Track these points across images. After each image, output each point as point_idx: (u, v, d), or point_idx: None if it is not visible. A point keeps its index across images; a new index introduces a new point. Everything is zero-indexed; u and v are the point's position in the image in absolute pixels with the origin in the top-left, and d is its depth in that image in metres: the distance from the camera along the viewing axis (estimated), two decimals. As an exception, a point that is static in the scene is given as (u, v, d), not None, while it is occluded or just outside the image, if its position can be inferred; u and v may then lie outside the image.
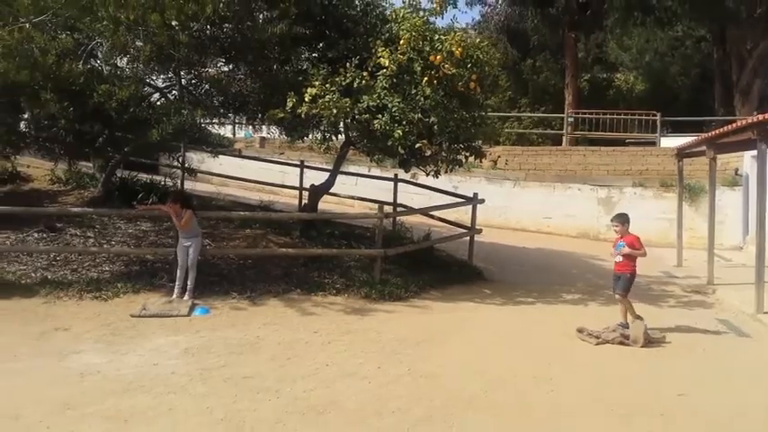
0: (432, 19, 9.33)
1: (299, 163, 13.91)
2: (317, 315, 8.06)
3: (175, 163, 14.91)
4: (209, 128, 19.63)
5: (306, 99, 8.44)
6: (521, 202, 16.23)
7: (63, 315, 7.75)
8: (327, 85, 8.50)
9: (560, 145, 20.62)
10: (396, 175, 12.40)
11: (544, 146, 20.26)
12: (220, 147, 19.01)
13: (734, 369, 6.43)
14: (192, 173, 13.18)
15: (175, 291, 8.34)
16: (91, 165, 13.74)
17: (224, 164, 16.75)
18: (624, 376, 6.04)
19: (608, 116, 19.66)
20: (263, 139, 19.75)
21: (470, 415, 4.98)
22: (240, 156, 17.04)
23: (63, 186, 13.31)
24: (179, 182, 14.11)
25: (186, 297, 8.32)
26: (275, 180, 15.57)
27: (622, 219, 7.76)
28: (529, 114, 24.52)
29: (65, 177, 13.50)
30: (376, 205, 10.77)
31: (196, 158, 17.04)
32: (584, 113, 20.69)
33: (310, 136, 9.92)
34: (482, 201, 11.47)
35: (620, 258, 7.59)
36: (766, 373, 6.36)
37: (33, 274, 8.94)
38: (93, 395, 5.23)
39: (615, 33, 25.36)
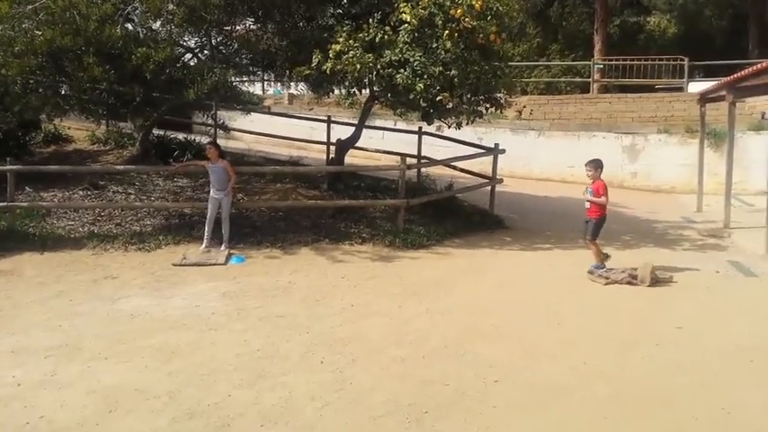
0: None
1: (326, 118, 14.29)
2: (344, 262, 8.59)
3: (209, 121, 15.46)
4: (240, 86, 20.18)
5: (330, 55, 8.80)
6: (545, 151, 16.42)
7: (111, 265, 8.41)
8: (351, 42, 8.83)
9: (588, 93, 20.59)
10: (420, 128, 12.72)
11: (572, 94, 20.16)
12: (251, 104, 19.54)
13: (733, 305, 6.80)
14: (225, 129, 13.67)
15: (204, 241, 8.91)
16: (127, 125, 14.33)
17: (255, 121, 17.23)
18: (626, 312, 6.47)
19: (636, 62, 19.46)
20: (291, 95, 20.13)
21: (481, 344, 5.48)
22: (269, 113, 17.48)
23: (103, 146, 13.97)
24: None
25: (223, 247, 8.90)
26: (304, 136, 16.00)
27: (595, 164, 8.03)
28: (555, 63, 24.29)
29: (104, 138, 14.16)
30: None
31: (228, 116, 17.57)
32: (612, 60, 20.54)
33: (336, 91, 10.28)
34: (503, 151, 11.76)
35: (587, 204, 7.90)
36: (763, 309, 6.69)
37: (81, 229, 9.61)
38: (143, 332, 5.86)
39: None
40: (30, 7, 8.55)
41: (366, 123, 13.63)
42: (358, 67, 8.73)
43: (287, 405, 4.33)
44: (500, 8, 9.04)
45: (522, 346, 5.45)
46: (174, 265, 8.39)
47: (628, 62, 19.56)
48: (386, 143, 14.92)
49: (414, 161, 12.20)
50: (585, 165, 8.16)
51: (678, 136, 15.22)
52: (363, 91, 10.08)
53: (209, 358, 5.21)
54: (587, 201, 7.88)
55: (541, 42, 25.91)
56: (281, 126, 16.45)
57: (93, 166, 11.92)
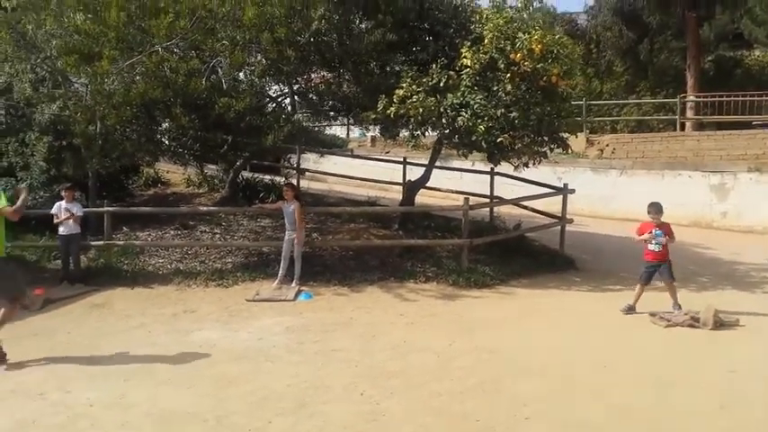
0: (522, 14, 9.83)
1: (401, 160, 14.71)
2: (406, 300, 8.83)
3: (293, 163, 16.29)
4: (325, 129, 21.11)
5: (394, 100, 9.23)
6: (627, 191, 16.04)
7: (191, 299, 9.05)
8: (414, 86, 9.24)
9: (683, 130, 20.02)
10: (492, 168, 12.87)
11: (658, 132, 19.63)
12: (335, 147, 20.39)
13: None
14: (301, 172, 14.37)
15: (278, 278, 9.41)
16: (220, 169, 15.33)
17: (338, 163, 17.92)
18: (679, 354, 6.33)
19: (730, 98, 18.75)
20: (373, 138, 20.79)
21: (521, 382, 5.56)
22: (350, 155, 18.13)
23: (196, 189, 15.02)
24: (295, 182, 15.38)
25: (293, 284, 9.37)
26: (385, 177, 16.46)
27: (659, 207, 7.96)
28: (638, 100, 23.71)
29: (197, 181, 15.21)
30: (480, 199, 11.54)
31: (313, 159, 18.42)
32: (702, 96, 19.90)
33: (403, 134, 10.68)
34: (572, 191, 11.70)
35: (659, 248, 7.77)
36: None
37: (169, 266, 10.38)
38: (208, 362, 6.34)
39: (746, 6, 23.91)
40: (127, 63, 9.51)
41: (443, 165, 13.99)
42: (420, 110, 9.09)
43: (320, 432, 4.60)
44: (560, 51, 9.18)
45: (561, 386, 5.49)
46: (248, 300, 8.91)
47: (722, 98, 18.80)
48: (463, 183, 15.09)
49: (483, 201, 12.33)
50: (650, 208, 8.01)
51: (771, 174, 14.54)
52: (430, 133, 10.41)
53: (261, 387, 5.58)
54: (661, 245, 7.73)
55: (630, 79, 25.45)
56: (362, 168, 16.99)
57: (183, 207, 12.81)
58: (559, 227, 11.63)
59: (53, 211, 9.73)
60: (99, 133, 10.27)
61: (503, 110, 9.07)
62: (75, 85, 10.94)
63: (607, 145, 17.63)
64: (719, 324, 7.07)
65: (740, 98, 18.11)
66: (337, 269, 10.08)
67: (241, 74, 10.38)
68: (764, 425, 4.61)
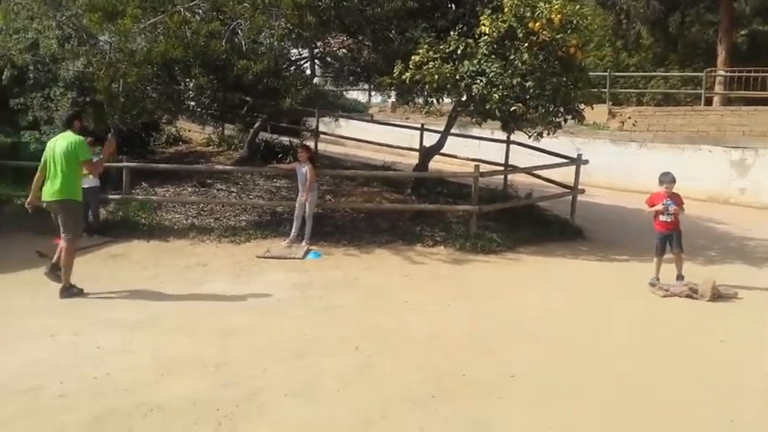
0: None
1: (419, 126, 14.76)
2: (413, 262, 9.01)
3: (312, 126, 16.42)
4: (346, 94, 21.15)
5: (410, 66, 9.27)
6: (646, 164, 15.84)
7: (204, 254, 9.32)
8: (431, 53, 9.27)
9: (710, 105, 19.71)
10: (508, 137, 12.87)
11: (681, 106, 19.35)
12: (355, 111, 20.45)
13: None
14: (316, 134, 14.50)
15: (290, 237, 9.64)
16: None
17: (357, 128, 17.99)
18: (673, 323, 6.44)
19: (759, 74, 18.35)
20: (394, 104, 20.77)
21: (512, 344, 5.73)
22: (370, 120, 18.19)
23: (216, 148, 15.24)
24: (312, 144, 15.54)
25: (304, 243, 9.59)
26: (403, 143, 16.51)
27: (672, 177, 7.94)
28: (666, 74, 23.31)
29: (218, 140, 15.44)
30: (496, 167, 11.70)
31: (334, 123, 18.51)
32: (730, 71, 19.51)
33: (419, 100, 10.73)
34: (585, 161, 11.70)
35: (671, 218, 7.77)
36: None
37: (185, 221, 10.65)
38: (214, 313, 6.60)
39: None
40: (149, 22, 9.65)
41: (461, 132, 14.03)
42: (436, 77, 9.13)
43: (312, 382, 4.83)
44: (580, 22, 9.13)
45: (552, 349, 5.64)
46: (258, 257, 9.15)
47: (750, 74, 18.42)
48: (481, 151, 15.10)
49: (496, 169, 12.39)
50: (662, 178, 8.00)
51: (794, 152, 14.33)
52: (445, 100, 10.45)
53: (262, 338, 5.82)
54: (673, 214, 7.73)
55: (660, 52, 24.99)
56: (381, 133, 17.05)
57: (200, 165, 13.03)
58: (571, 197, 11.64)
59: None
60: (121, 90, 10.49)
61: (519, 79, 9.06)
62: (100, 43, 11.14)
63: (629, 117, 17.45)
64: (717, 296, 7.15)
65: (766, 74, 17.68)
66: (348, 230, 10.28)
67: (261, 37, 10.47)
68: (745, 393, 4.72)
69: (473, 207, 9.94)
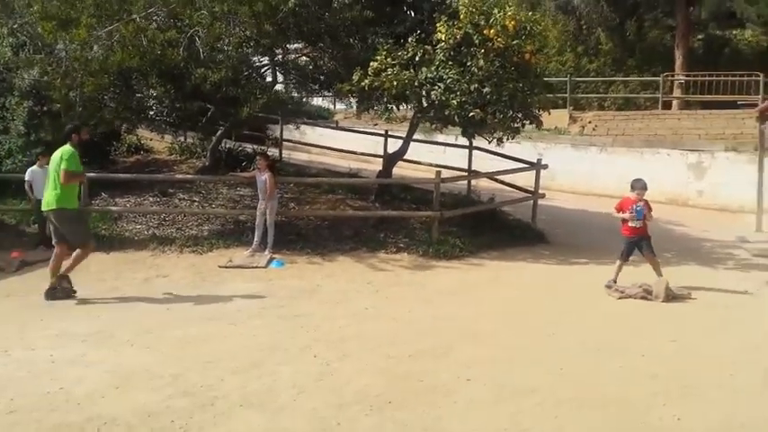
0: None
1: (383, 133, 14.81)
2: (375, 269, 9.05)
3: (276, 134, 16.37)
4: (311, 101, 21.12)
5: (369, 73, 9.33)
6: (607, 168, 16.22)
7: (165, 265, 9.24)
8: (389, 59, 9.34)
9: (669, 109, 20.14)
10: (470, 143, 13.00)
11: (639, 111, 19.75)
12: (321, 118, 20.43)
13: (743, 324, 6.69)
14: (281, 142, 14.46)
15: (253, 246, 9.60)
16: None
17: (323, 134, 17.98)
18: (627, 324, 6.56)
19: (713, 78, 18.83)
20: (358, 110, 20.75)
21: (470, 347, 5.77)
22: (336, 127, 18.19)
23: (179, 156, 15.09)
24: (277, 152, 15.51)
25: (266, 252, 9.56)
26: (369, 149, 16.52)
27: (644, 184, 7.93)
28: (624, 78, 23.75)
29: (180, 149, 15.29)
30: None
31: (299, 131, 18.47)
32: (686, 75, 19.99)
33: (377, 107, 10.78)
34: (545, 166, 11.88)
35: (640, 223, 7.80)
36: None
37: (146, 232, 10.54)
38: (172, 324, 6.52)
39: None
40: (104, 31, 9.55)
41: (425, 139, 14.10)
42: (395, 83, 9.21)
43: (268, 390, 4.80)
44: (534, 28, 9.28)
45: (508, 352, 5.70)
46: (220, 267, 9.10)
47: (705, 78, 18.89)
48: (446, 158, 15.19)
49: (456, 175, 12.51)
50: (634, 185, 7.94)
51: (747, 154, 14.68)
52: (405, 107, 10.52)
53: (219, 348, 5.77)
54: (643, 221, 7.76)
55: (618, 57, 25.45)
56: (347, 139, 17.05)
57: (161, 175, 12.90)
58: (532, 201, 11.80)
59: (26, 177, 9.86)
60: (78, 100, 10.35)
61: (476, 85, 9.18)
62: (56, 51, 10.98)
63: (589, 122, 17.77)
64: (671, 297, 7.30)
65: (722, 78, 18.19)
66: (311, 238, 10.27)
67: (219, 45, 10.44)
68: (693, 391, 4.82)
69: (435, 213, 10.02)
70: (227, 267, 9.08)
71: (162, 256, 9.69)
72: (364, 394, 4.71)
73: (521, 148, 15.90)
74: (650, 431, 4.18)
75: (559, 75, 22.79)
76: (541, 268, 9.30)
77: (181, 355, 5.60)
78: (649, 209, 7.87)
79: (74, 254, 7.57)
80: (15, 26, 10.55)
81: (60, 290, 7.44)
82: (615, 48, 25.34)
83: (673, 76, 20.31)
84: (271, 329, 6.35)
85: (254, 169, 12.44)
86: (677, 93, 20.79)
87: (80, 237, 7.57)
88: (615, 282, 7.79)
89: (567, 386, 4.88)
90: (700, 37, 25.62)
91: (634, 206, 7.78)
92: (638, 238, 7.84)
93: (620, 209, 7.95)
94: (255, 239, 9.72)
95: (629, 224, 7.86)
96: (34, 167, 9.91)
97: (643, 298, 7.33)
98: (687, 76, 19.71)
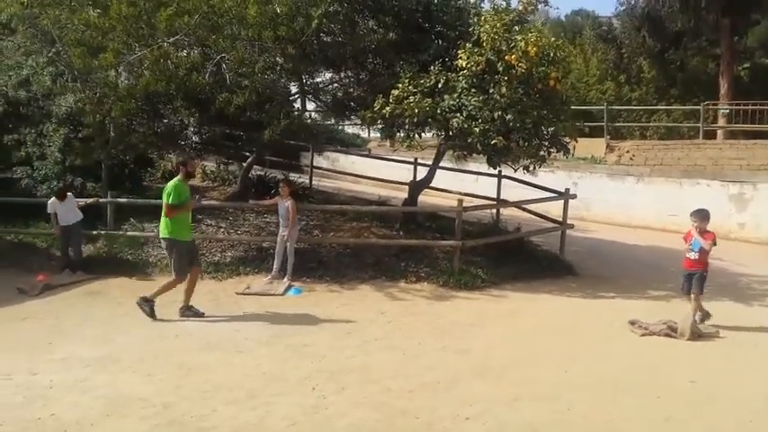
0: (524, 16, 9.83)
1: (412, 160, 14.72)
2: (394, 299, 8.86)
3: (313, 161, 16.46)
4: (346, 129, 21.23)
5: (390, 100, 9.26)
6: (644, 198, 15.76)
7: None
8: (411, 87, 9.25)
9: (713, 139, 19.57)
10: (499, 172, 12.77)
11: (678, 140, 19.19)
12: (353, 146, 20.49)
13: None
14: (312, 169, 14.49)
15: (272, 273, 9.53)
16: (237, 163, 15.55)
17: (355, 162, 18.00)
18: (647, 363, 6.21)
19: (758, 107, 18.18)
20: (401, 139, 20.73)
21: (476, 383, 5.54)
22: (368, 155, 18.19)
23: (211, 183, 15.27)
24: (308, 180, 15.55)
25: (285, 279, 9.48)
26: (402, 178, 16.43)
27: (702, 215, 7.74)
28: (662, 107, 23.24)
29: (213, 175, 15.47)
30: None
31: (332, 158, 18.54)
32: (728, 104, 19.39)
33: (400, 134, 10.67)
34: (573, 196, 11.55)
35: (695, 255, 7.59)
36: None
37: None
38: (177, 351, 6.47)
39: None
40: (132, 57, 9.74)
41: (457, 167, 13.91)
42: (416, 111, 9.10)
43: (259, 423, 4.68)
44: (558, 54, 9.10)
45: (515, 388, 5.45)
46: (237, 293, 9.04)
47: (747, 107, 18.27)
48: (478, 186, 14.99)
49: (480, 203, 12.31)
50: (691, 215, 7.82)
51: (792, 185, 14.09)
52: (427, 134, 10.40)
53: (219, 377, 5.68)
54: (697, 253, 7.53)
55: (661, 86, 24.95)
56: (378, 167, 17.00)
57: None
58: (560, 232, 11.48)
59: (48, 210, 10.02)
60: (109, 125, 10.56)
61: (499, 112, 9.01)
62: (89, 78, 11.26)
63: (627, 151, 17.33)
64: (697, 335, 6.92)
65: (766, 107, 17.53)
66: (332, 266, 10.15)
67: (244, 70, 10.54)
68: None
69: (456, 242, 9.80)
70: (244, 294, 9.02)
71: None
72: (355, 429, 4.54)
73: (555, 177, 15.62)
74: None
75: (599, 103, 22.47)
76: (565, 301, 8.96)
77: (180, 383, 5.53)
78: (711, 240, 7.55)
79: (166, 281, 8.05)
80: (51, 54, 10.85)
81: (146, 307, 7.77)
82: (658, 76, 24.88)
83: (716, 105, 19.69)
84: (275, 358, 6.23)
85: (276, 195, 12.53)
86: (721, 122, 20.19)
87: (176, 268, 7.86)
88: (698, 317, 7.41)
89: (571, 426, 4.62)
90: (746, 65, 24.95)
91: (691, 239, 7.62)
92: (690, 271, 7.61)
93: (685, 241, 7.78)
94: (275, 266, 9.66)
95: (687, 255, 7.68)
96: (54, 200, 10.02)
97: (667, 335, 6.96)
98: (731, 104, 19.07)
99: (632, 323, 7.37)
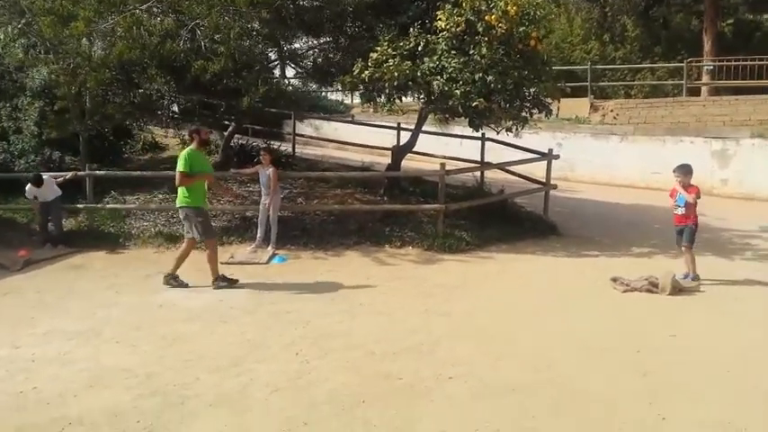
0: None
1: (395, 125, 14.61)
2: (378, 264, 8.86)
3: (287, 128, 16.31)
4: (328, 95, 21.01)
5: (369, 64, 9.13)
6: (628, 157, 15.78)
7: (167, 262, 9.05)
8: (389, 50, 9.12)
9: (697, 96, 19.53)
10: (483, 134, 12.72)
11: (662, 98, 19.16)
12: (336, 112, 20.31)
13: (752, 317, 6.36)
14: (294, 136, 14.36)
15: (256, 242, 9.50)
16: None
17: (338, 129, 17.84)
18: (627, 319, 6.27)
19: (740, 62, 18.12)
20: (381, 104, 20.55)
21: (458, 344, 5.57)
22: (350, 121, 18.04)
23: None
24: (291, 148, 15.43)
25: (269, 248, 9.45)
26: (385, 143, 16.32)
27: (684, 169, 7.85)
28: (644, 65, 23.14)
29: (194, 145, 15.28)
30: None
31: (315, 125, 18.38)
32: (712, 60, 19.33)
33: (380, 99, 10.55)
34: (557, 156, 11.53)
35: (682, 210, 7.66)
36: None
37: (152, 229, 10.46)
38: (161, 322, 6.43)
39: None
40: (104, 25, 9.52)
41: (441, 131, 13.83)
42: (396, 74, 8.99)
43: (241, 390, 4.68)
44: (538, 13, 8.98)
45: (497, 348, 5.49)
46: (221, 263, 8.95)
47: (731, 62, 18.21)
48: (462, 150, 14.93)
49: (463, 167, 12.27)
50: (674, 171, 7.98)
51: (775, 140, 14.13)
52: (408, 98, 10.30)
53: (203, 346, 5.67)
54: (683, 207, 7.64)
55: (645, 44, 24.80)
56: (362, 133, 16.89)
57: (169, 172, 12.83)
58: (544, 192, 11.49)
59: (27, 195, 9.85)
60: (81, 95, 10.37)
61: (480, 74, 8.91)
62: (61, 49, 11.02)
63: (611, 110, 17.30)
64: (678, 290, 6.98)
65: (751, 63, 17.47)
66: (316, 233, 10.12)
67: (219, 36, 10.34)
68: (684, 389, 4.56)
69: (440, 206, 9.78)
70: (228, 264, 8.96)
71: (166, 252, 9.63)
72: (338, 393, 4.57)
73: (539, 138, 15.58)
74: (629, 432, 3.94)
75: (584, 63, 22.34)
76: (549, 261, 9.00)
77: (163, 353, 5.51)
78: (695, 194, 7.62)
79: (207, 256, 7.90)
80: (21, 26, 10.58)
81: (223, 284, 7.76)
82: (642, 35, 24.71)
83: (699, 61, 19.62)
84: (259, 326, 6.23)
85: (257, 164, 12.42)
86: (705, 79, 20.14)
87: (204, 232, 7.84)
88: (688, 275, 7.54)
89: (550, 385, 4.66)
90: (729, 21, 24.80)
91: (677, 194, 7.75)
92: (680, 226, 7.75)
93: (671, 197, 7.90)
94: (258, 235, 9.62)
95: (675, 212, 7.82)
96: (31, 187, 9.81)
97: (648, 291, 7.02)
98: (713, 61, 19.01)
99: (614, 280, 7.42)
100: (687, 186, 7.74)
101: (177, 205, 7.87)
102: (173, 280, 7.83)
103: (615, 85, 23.09)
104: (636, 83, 22.07)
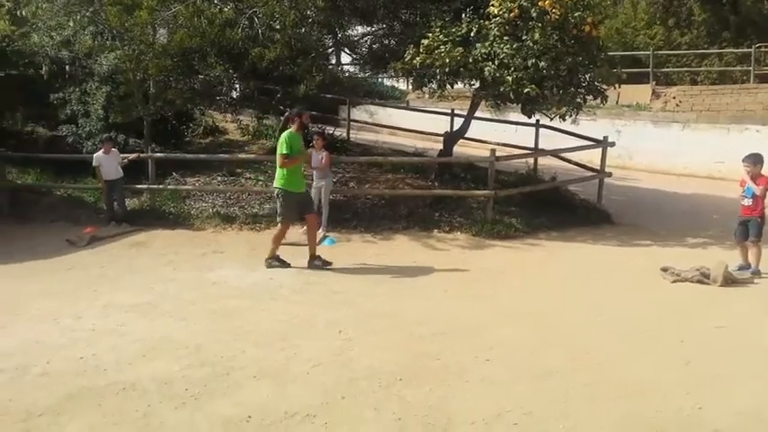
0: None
1: (449, 112, 14.60)
2: (426, 248, 8.96)
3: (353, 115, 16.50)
4: (385, 81, 21.10)
5: (420, 50, 9.18)
6: (689, 145, 15.34)
7: (223, 241, 9.52)
8: (441, 36, 9.15)
9: (767, 83, 18.77)
10: (537, 121, 12.59)
11: (728, 84, 18.46)
12: (391, 98, 20.39)
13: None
14: (349, 122, 14.53)
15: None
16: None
17: (393, 115, 17.94)
18: (675, 309, 6.17)
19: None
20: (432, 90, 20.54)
21: (499, 328, 5.63)
22: (406, 107, 18.09)
23: (250, 137, 15.48)
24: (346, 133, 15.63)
25: (320, 230, 9.64)
26: (440, 129, 16.33)
27: (754, 159, 7.57)
28: (713, 51, 22.22)
29: (252, 130, 15.67)
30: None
31: (370, 111, 18.51)
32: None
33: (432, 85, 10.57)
34: (612, 144, 11.33)
35: (748, 201, 7.46)
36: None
37: (210, 210, 10.85)
38: (214, 297, 6.71)
39: None
40: (167, 13, 9.88)
41: (495, 117, 13.75)
42: (447, 60, 9.01)
43: (285, 363, 4.88)
44: (592, -1, 8.85)
45: (538, 333, 5.52)
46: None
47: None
48: (518, 136, 14.80)
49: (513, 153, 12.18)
50: (743, 160, 7.69)
51: None
52: (460, 85, 10.28)
53: (251, 322, 5.90)
54: (751, 198, 7.42)
55: (714, 30, 23.84)
56: (416, 119, 16.92)
57: (227, 155, 13.23)
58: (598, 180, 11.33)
59: (93, 163, 10.35)
60: (144, 81, 10.79)
61: (533, 60, 8.85)
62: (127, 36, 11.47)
63: (674, 97, 16.81)
64: (730, 281, 6.82)
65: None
66: (366, 217, 10.28)
67: (276, 23, 10.56)
68: (725, 380, 4.50)
69: (489, 192, 9.79)
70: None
71: (223, 233, 9.99)
72: (376, 370, 4.70)
73: (597, 125, 15.29)
74: (663, 422, 3.93)
75: (647, 48, 21.74)
76: (599, 249, 8.91)
77: (213, 327, 5.77)
78: (765, 185, 7.32)
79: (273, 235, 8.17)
80: (89, 14, 11.06)
81: (275, 263, 7.99)
82: (709, 19, 23.76)
83: (763, 47, 18.83)
84: (306, 305, 6.42)
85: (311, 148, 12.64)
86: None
87: (281, 214, 8.03)
88: (743, 265, 7.40)
89: (587, 371, 4.68)
90: (806, 4, 23.61)
91: (745, 185, 7.53)
92: (744, 217, 7.53)
93: (741, 186, 7.68)
94: (311, 217, 9.82)
95: (741, 203, 7.59)
96: (99, 154, 10.35)
97: (699, 281, 6.87)
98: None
99: (664, 270, 7.29)
100: (756, 177, 7.45)
101: (274, 185, 8.06)
102: (274, 261, 8.02)
103: (680, 72, 22.34)
104: (702, 69, 21.28)
